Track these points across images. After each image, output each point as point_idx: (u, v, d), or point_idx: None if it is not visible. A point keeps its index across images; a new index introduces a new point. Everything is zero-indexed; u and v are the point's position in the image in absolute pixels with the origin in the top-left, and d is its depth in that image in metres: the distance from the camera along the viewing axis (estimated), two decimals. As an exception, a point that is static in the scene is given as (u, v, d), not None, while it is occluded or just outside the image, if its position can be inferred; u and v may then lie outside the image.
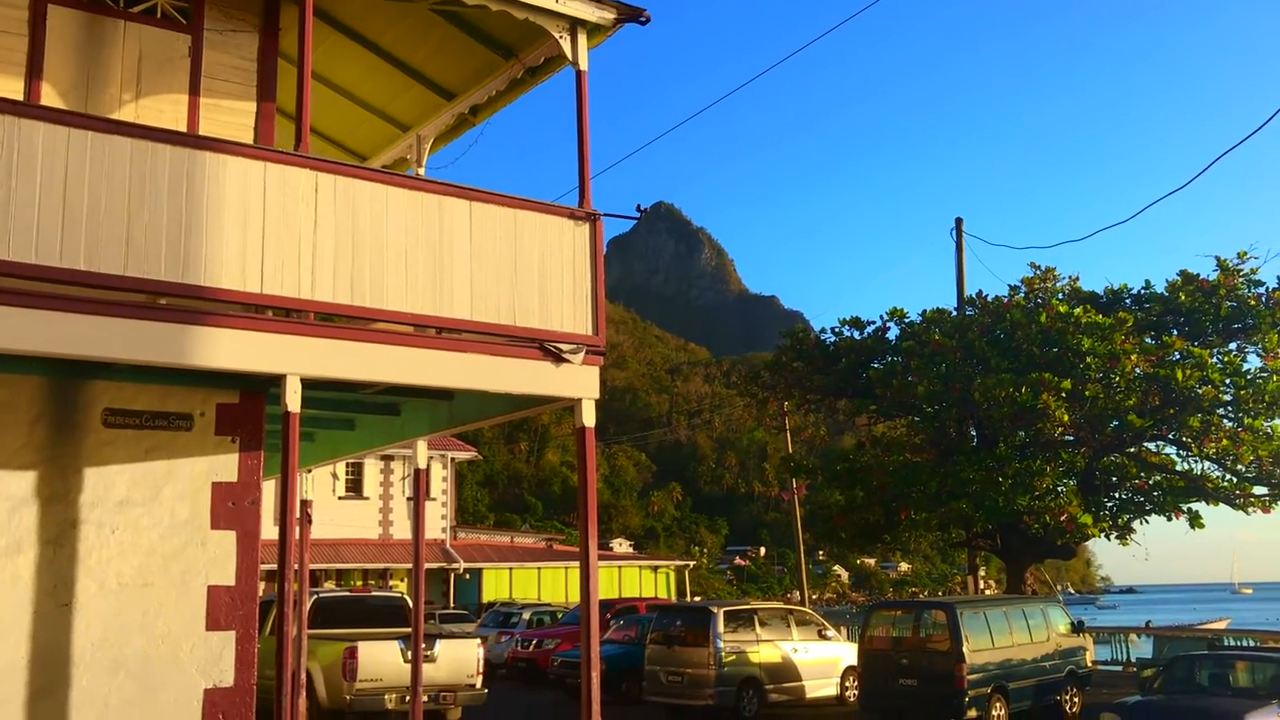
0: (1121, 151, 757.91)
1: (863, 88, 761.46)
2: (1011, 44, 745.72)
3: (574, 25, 9.86)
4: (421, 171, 12.20)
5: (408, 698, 12.43)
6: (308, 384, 8.33)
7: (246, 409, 8.99)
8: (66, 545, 8.16)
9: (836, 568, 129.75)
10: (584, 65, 9.89)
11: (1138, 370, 21.62)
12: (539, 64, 10.89)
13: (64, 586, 8.10)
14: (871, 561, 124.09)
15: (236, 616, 8.66)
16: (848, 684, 20.93)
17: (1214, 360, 21.77)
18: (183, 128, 9.30)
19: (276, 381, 8.22)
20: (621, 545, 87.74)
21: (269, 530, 8.71)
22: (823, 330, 26.98)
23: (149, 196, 7.70)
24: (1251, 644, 22.68)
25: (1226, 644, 22.77)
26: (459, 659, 16.59)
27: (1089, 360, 21.68)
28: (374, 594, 19.96)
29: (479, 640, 17.98)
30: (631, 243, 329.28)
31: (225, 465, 8.84)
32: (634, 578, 52.46)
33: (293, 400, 8.06)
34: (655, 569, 55.15)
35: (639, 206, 10.53)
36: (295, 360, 8.12)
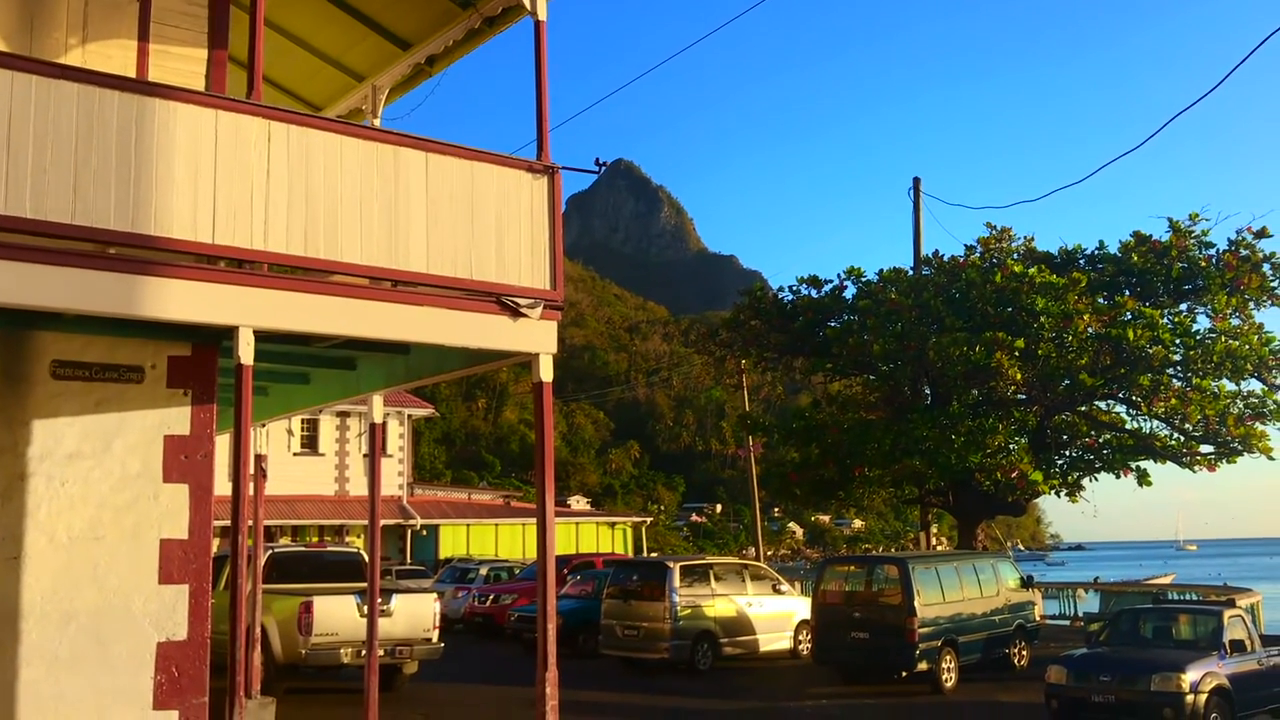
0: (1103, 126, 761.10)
1: (821, 47, 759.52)
2: (983, 14, 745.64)
3: (533, -26, 9.72)
4: (377, 122, 12.00)
5: (363, 652, 12.39)
6: (261, 336, 8.21)
7: (198, 361, 8.87)
8: (15, 499, 8.04)
9: (792, 524, 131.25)
10: (543, 15, 9.76)
11: (1090, 330, 21.92)
12: (497, 14, 10.71)
13: (12, 540, 7.99)
14: (826, 518, 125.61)
15: (190, 570, 8.59)
16: (801, 637, 21.23)
17: (1164, 321, 22.13)
18: (132, 74, 9.09)
19: (229, 333, 8.09)
20: (579, 502, 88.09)
21: (224, 485, 8.62)
22: (780, 289, 27.11)
23: (97, 143, 7.52)
24: (1194, 598, 23.19)
25: (1170, 598, 23.27)
26: (415, 614, 16.60)
27: (1042, 320, 21.94)
28: (330, 549, 19.91)
29: (435, 595, 18.00)
30: (591, 201, 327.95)
31: (177, 418, 8.73)
32: (591, 534, 52.68)
33: (245, 352, 7.95)
34: (613, 525, 55.42)
35: (598, 160, 10.48)
36: (248, 312, 8.00)
